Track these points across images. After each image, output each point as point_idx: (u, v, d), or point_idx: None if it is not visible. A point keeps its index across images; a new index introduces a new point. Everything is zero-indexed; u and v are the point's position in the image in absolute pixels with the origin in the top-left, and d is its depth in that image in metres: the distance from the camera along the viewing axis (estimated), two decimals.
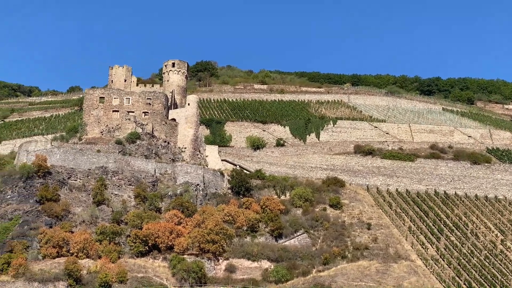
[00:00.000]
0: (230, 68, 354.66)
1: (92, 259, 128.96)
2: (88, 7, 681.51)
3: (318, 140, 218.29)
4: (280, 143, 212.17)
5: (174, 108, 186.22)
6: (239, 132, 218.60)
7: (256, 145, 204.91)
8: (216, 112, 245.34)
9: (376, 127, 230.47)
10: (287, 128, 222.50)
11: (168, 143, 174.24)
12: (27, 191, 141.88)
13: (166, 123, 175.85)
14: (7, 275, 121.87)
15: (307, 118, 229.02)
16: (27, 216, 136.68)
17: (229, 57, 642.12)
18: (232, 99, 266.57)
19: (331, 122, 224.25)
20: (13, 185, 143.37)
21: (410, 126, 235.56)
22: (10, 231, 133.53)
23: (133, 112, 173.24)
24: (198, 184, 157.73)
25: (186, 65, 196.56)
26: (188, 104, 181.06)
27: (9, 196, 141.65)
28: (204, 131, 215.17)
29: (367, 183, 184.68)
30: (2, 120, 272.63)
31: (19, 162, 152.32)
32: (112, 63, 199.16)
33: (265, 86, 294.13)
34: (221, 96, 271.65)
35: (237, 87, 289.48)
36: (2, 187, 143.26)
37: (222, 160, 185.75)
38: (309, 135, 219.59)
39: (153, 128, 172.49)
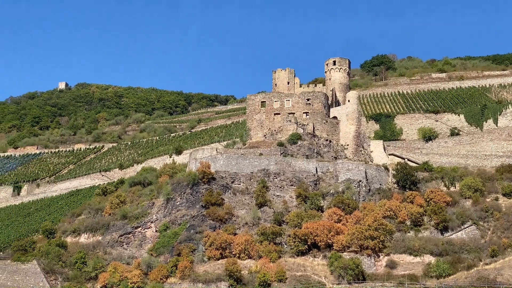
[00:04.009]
0: (410, 59, 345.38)
1: (254, 259, 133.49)
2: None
3: (496, 126, 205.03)
4: (454, 133, 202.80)
5: (336, 106, 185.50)
6: (410, 124, 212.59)
7: (428, 136, 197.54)
8: (388, 106, 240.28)
9: None
10: (462, 116, 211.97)
11: (330, 141, 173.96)
12: (193, 197, 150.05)
13: (326, 121, 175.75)
14: (175, 277, 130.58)
15: (484, 104, 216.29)
16: (193, 221, 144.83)
17: (411, 48, 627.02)
18: (406, 91, 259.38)
19: (510, 106, 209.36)
20: (181, 192, 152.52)
21: None
22: (179, 235, 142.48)
23: (293, 113, 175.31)
24: (360, 181, 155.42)
25: (348, 62, 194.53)
26: (348, 101, 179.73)
27: (178, 203, 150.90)
28: (374, 126, 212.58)
29: None
30: (189, 131, 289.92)
31: (189, 170, 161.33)
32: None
33: (443, 75, 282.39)
34: (395, 89, 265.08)
35: (413, 78, 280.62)
36: (172, 194, 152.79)
37: (389, 154, 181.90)
38: (486, 122, 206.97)
39: (314, 128, 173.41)
